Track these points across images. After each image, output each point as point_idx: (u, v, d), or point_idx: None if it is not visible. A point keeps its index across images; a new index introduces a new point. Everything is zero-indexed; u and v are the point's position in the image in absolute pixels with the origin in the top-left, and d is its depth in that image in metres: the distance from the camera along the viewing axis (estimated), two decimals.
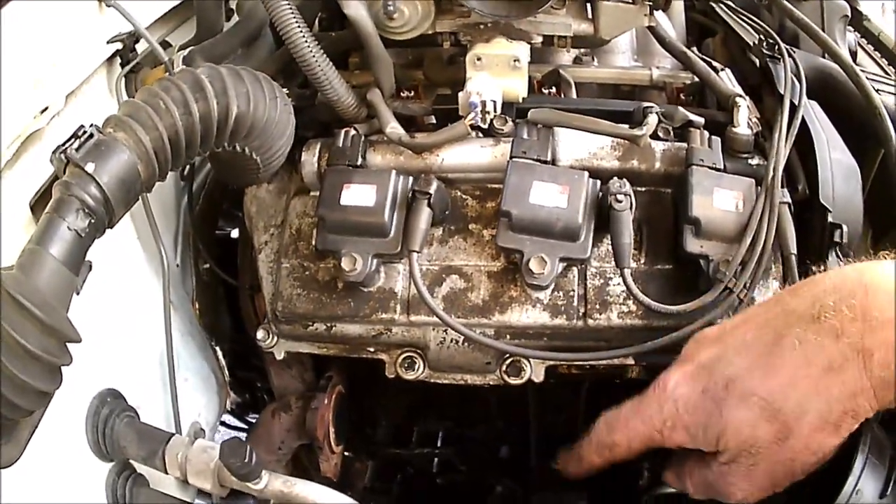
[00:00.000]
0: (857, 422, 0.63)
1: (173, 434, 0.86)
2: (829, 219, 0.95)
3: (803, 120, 1.00)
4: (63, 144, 0.70)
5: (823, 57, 1.16)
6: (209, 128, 0.78)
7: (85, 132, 0.71)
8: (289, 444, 1.08)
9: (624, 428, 0.76)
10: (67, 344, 0.65)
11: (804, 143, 1.01)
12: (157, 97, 0.76)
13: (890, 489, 0.69)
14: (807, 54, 1.15)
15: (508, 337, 0.94)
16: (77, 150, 0.69)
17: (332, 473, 1.07)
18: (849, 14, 1.37)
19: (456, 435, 1.25)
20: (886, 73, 1.27)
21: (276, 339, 1.00)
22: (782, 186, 0.93)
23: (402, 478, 1.27)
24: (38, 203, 0.82)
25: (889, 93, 1.19)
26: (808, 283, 0.68)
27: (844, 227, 0.94)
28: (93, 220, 0.68)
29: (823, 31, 1.24)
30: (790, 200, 0.94)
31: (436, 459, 1.26)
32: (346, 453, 1.20)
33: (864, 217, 0.98)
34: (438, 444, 1.26)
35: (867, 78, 1.10)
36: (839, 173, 1.00)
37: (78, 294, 0.73)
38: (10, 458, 0.67)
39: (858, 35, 1.46)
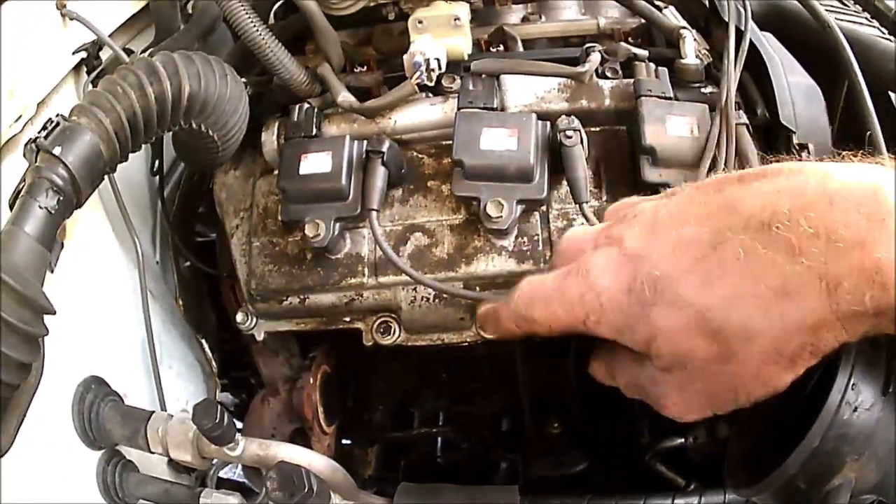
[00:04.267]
0: (816, 358, 0.56)
1: (154, 412, 0.92)
2: (795, 140, 0.99)
3: (755, 46, 1.05)
4: (35, 137, 0.78)
5: None
6: (164, 107, 0.87)
7: (53, 122, 0.80)
8: (281, 430, 1.13)
9: (544, 308, 0.68)
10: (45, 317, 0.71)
11: (759, 70, 1.06)
12: (115, 84, 0.85)
13: (892, 384, 0.61)
14: None
15: (478, 289, 0.99)
16: (46, 137, 0.78)
17: (327, 454, 1.12)
18: None
19: (455, 413, 1.29)
20: (845, 3, 1.32)
21: (254, 320, 1.06)
22: (739, 110, 0.98)
23: (407, 463, 1.32)
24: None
25: (850, 21, 1.24)
26: (758, 173, 0.59)
27: (811, 147, 0.98)
28: (61, 198, 0.76)
29: None
30: (748, 121, 0.98)
31: (438, 440, 1.30)
32: (345, 441, 1.26)
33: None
34: (439, 423, 1.30)
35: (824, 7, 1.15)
36: (799, 95, 1.05)
37: (52, 272, 0.80)
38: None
39: None
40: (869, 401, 0.60)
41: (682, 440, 1.17)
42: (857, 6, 1.38)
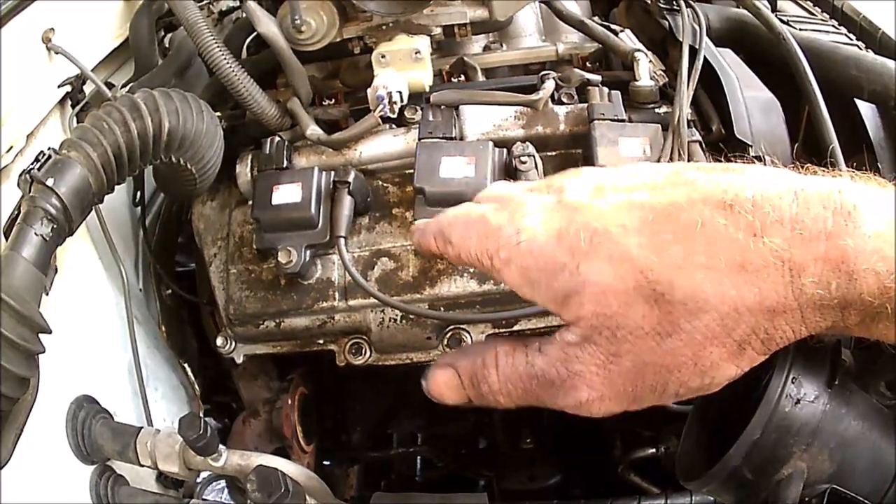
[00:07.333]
0: (766, 349, 0.55)
1: (142, 427, 1.11)
2: (751, 153, 1.17)
3: (710, 63, 1.23)
4: (28, 168, 0.96)
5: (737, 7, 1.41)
6: (146, 142, 1.05)
7: (45, 155, 0.98)
8: (262, 449, 1.32)
9: (463, 229, 0.64)
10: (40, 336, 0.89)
11: (714, 87, 1.24)
12: (101, 120, 1.02)
13: (838, 378, 0.66)
14: (719, 7, 1.40)
15: (443, 309, 1.17)
16: (39, 170, 0.95)
17: None
18: None
19: (432, 433, 1.48)
20: (812, 13, 1.50)
21: (233, 343, 1.25)
22: (695, 128, 1.15)
23: (387, 483, 1.50)
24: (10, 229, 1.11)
25: (813, 30, 1.42)
26: (718, 166, 0.59)
27: (768, 159, 1.16)
28: (55, 226, 0.93)
29: None
30: (700, 139, 1.16)
31: (417, 459, 1.49)
32: (325, 462, 1.45)
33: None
34: (418, 443, 1.49)
35: (786, 20, 1.34)
36: (756, 108, 1.22)
37: (47, 294, 0.99)
38: None
39: None
40: (813, 393, 0.66)
41: (654, 450, 1.36)
42: (825, 14, 1.57)
